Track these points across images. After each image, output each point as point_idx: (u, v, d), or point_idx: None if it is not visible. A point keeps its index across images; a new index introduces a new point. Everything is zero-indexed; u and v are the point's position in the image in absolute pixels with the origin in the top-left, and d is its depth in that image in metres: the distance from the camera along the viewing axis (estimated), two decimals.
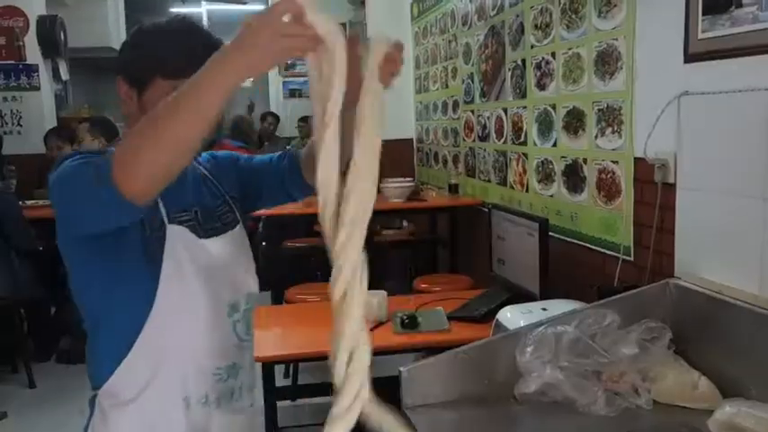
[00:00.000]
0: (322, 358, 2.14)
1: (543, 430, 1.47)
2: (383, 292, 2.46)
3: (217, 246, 1.30)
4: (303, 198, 1.44)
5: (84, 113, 6.32)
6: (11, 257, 3.75)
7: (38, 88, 5.85)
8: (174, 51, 1.21)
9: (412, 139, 5.53)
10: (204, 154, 1.46)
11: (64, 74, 6.42)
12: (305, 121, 7.39)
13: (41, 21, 5.85)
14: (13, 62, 5.78)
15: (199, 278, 1.25)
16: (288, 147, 6.75)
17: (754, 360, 1.51)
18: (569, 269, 2.59)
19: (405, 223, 4.88)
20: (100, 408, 1.26)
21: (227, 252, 1.32)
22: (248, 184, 1.44)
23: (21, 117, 5.81)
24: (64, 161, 1.15)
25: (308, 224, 5.17)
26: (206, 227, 1.30)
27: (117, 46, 7.41)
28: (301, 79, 8.76)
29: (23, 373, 3.76)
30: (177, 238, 1.24)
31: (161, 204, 1.22)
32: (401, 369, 1.59)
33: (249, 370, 1.39)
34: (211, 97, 0.92)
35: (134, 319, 1.22)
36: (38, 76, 5.85)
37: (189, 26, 1.27)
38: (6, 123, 5.78)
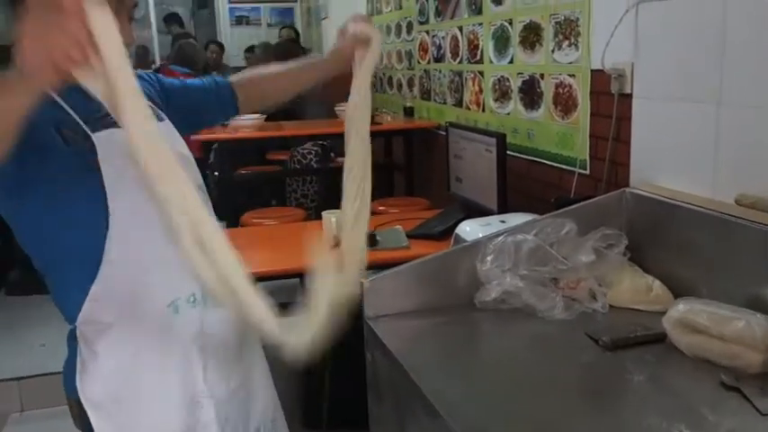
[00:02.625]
0: (279, 277, 2.12)
1: (503, 334, 1.50)
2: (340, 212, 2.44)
3: None
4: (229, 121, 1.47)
5: None
6: None
7: None
8: None
9: None
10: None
11: None
12: (251, 51, 7.13)
13: None
14: None
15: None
16: None
17: (706, 262, 1.55)
18: (526, 186, 2.61)
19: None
20: (83, 339, 1.23)
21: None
22: (181, 99, 1.44)
23: None
24: None
25: (260, 151, 5.08)
26: None
27: None
28: (248, 5, 8.44)
29: None
30: (107, 142, 1.16)
31: (76, 117, 1.16)
32: (362, 281, 1.59)
33: None
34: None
35: (94, 241, 1.17)
36: None
37: None
38: None
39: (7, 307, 3.80)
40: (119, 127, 1.05)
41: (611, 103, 2.02)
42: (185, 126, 1.41)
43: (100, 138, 1.16)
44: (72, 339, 1.26)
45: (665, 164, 1.82)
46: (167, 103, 1.43)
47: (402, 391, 1.37)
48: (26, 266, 4.17)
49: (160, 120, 1.31)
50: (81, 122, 1.16)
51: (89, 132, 1.16)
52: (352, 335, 1.67)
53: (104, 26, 0.80)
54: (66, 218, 1.18)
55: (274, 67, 1.56)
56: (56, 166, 1.14)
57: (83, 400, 1.23)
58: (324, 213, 2.50)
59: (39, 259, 1.24)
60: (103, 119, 1.17)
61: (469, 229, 1.99)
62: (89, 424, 1.24)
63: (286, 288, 2.03)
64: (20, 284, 3.97)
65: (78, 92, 1.03)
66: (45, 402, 2.97)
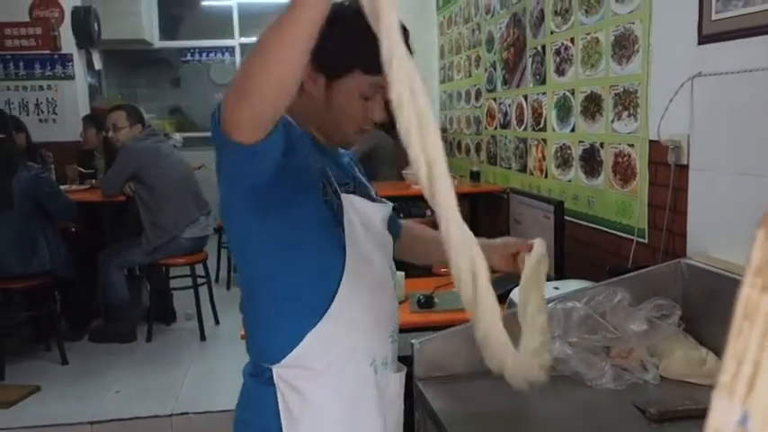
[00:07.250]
0: None
1: (550, 401, 1.51)
2: (401, 273, 2.50)
3: (374, 210, 1.34)
4: None
5: (117, 103, 6.47)
6: (48, 236, 3.85)
7: (72, 77, 6.00)
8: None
9: None
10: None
11: (97, 64, 6.56)
12: None
13: (76, 11, 6.00)
14: (48, 52, 5.94)
15: (368, 242, 1.29)
16: None
17: None
18: (585, 253, 2.61)
19: (428, 212, 4.92)
20: (285, 383, 1.26)
21: (380, 218, 1.36)
22: None
23: (56, 106, 5.97)
24: None
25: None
26: (364, 195, 1.35)
27: (150, 39, 7.56)
28: None
29: (56, 351, 3.88)
30: (350, 205, 1.26)
31: (332, 178, 1.25)
32: (413, 342, 1.63)
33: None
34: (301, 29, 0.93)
35: (323, 293, 1.23)
36: (72, 65, 6.00)
37: None
38: (42, 111, 5.96)
39: (88, 353, 3.99)
40: (355, 194, 1.29)
41: (668, 173, 2.03)
42: None
43: (345, 199, 1.26)
44: (266, 384, 1.27)
45: (721, 235, 1.81)
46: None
47: None
48: (108, 317, 4.37)
49: (381, 202, 1.41)
50: (335, 183, 1.26)
51: (340, 192, 1.25)
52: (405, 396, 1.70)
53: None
54: (305, 263, 1.23)
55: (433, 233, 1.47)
56: (310, 208, 1.22)
57: None
58: None
59: (258, 294, 1.27)
60: (345, 186, 1.29)
61: None
62: None
63: None
64: (101, 332, 4.19)
65: (333, 162, 1.30)
66: None
